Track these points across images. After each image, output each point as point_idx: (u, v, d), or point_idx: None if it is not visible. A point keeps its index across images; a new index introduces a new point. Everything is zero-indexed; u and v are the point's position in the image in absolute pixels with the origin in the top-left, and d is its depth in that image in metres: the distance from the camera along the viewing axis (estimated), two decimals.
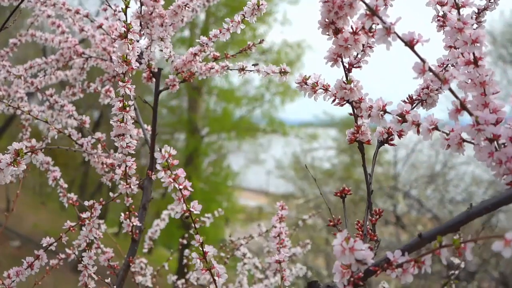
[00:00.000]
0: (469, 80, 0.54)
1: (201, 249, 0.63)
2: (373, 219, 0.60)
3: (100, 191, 8.41)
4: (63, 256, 1.06)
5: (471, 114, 0.50)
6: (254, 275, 1.35)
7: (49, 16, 1.18)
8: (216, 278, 0.63)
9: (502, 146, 0.50)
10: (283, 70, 0.82)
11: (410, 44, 0.49)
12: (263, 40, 0.99)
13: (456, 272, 1.06)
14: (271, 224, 0.89)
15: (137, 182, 0.89)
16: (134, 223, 0.94)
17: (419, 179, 6.66)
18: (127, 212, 0.93)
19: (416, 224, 6.05)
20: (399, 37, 0.49)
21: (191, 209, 0.61)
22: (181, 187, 0.60)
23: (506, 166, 0.49)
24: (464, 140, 0.53)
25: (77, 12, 1.06)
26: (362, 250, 0.49)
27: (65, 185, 1.07)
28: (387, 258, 0.51)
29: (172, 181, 0.60)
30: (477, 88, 0.52)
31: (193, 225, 0.62)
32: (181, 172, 0.61)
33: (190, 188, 0.61)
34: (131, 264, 0.96)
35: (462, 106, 0.50)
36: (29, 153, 0.68)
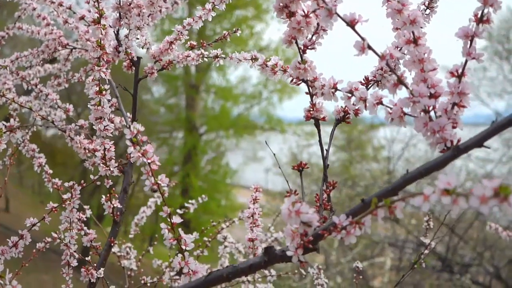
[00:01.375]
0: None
1: (169, 220, 0.67)
2: (328, 190, 0.65)
3: (99, 190, 8.46)
4: (48, 240, 1.10)
5: (407, 88, 0.54)
6: (237, 260, 1.40)
7: (34, 9, 1.22)
8: (183, 247, 0.67)
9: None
10: (254, 57, 0.87)
11: (351, 24, 0.54)
12: (238, 29, 1.03)
13: (426, 251, 1.10)
14: (247, 206, 0.94)
15: (116, 164, 0.93)
16: (115, 205, 0.99)
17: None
18: (108, 195, 0.98)
19: (411, 219, 6.11)
20: (340, 17, 0.53)
21: (159, 182, 0.66)
22: (149, 161, 0.65)
23: (439, 135, 0.54)
24: (405, 113, 0.57)
25: (60, 4, 1.11)
26: (307, 213, 0.53)
27: (50, 171, 1.11)
28: (334, 222, 0.55)
29: (140, 155, 0.64)
30: (416, 65, 0.56)
31: (161, 196, 0.67)
32: (149, 148, 0.65)
33: (157, 162, 0.65)
34: (112, 244, 1.01)
35: (399, 81, 0.55)
36: (7, 132, 0.73)
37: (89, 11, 1.12)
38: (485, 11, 0.54)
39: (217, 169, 11.84)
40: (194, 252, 1.50)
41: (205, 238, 1.32)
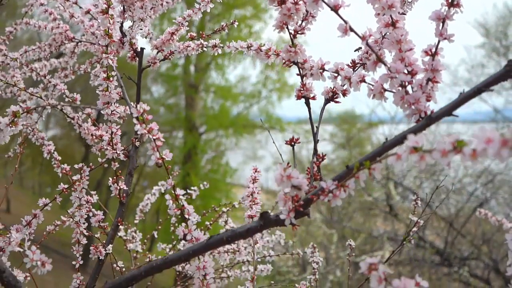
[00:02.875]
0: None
1: (173, 191, 0.73)
2: (318, 162, 0.71)
3: (100, 189, 8.52)
4: (57, 223, 1.16)
5: (386, 65, 0.61)
6: (238, 244, 1.46)
7: (42, 4, 1.28)
8: (186, 216, 0.74)
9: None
10: (249, 45, 0.93)
11: (335, 8, 0.60)
12: (235, 21, 1.10)
13: (415, 229, 1.16)
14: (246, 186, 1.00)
15: (123, 147, 1.00)
16: (121, 187, 1.05)
17: (412, 170, 6.78)
18: (114, 177, 1.04)
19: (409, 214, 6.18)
20: (325, 2, 0.60)
21: (164, 156, 0.72)
22: (155, 137, 0.71)
23: (414, 107, 0.60)
24: (385, 89, 0.64)
25: None
26: (297, 177, 0.59)
27: (59, 157, 1.18)
28: (322, 187, 0.62)
29: (146, 132, 0.71)
30: (394, 46, 0.63)
31: (166, 170, 0.73)
32: (154, 125, 0.71)
33: (162, 139, 0.72)
34: (119, 224, 1.07)
35: (379, 59, 0.61)
36: (25, 114, 0.79)
37: (95, 6, 1.18)
38: None
39: (217, 168, 11.89)
40: None
41: (207, 222, 1.39)
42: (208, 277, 0.72)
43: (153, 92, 11.30)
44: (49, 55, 1.27)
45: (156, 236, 1.58)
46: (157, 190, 1.53)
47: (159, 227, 1.61)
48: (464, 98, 0.56)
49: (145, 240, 1.47)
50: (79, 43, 1.27)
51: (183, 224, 0.73)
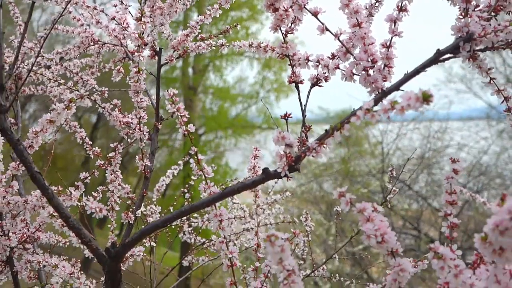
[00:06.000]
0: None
1: (196, 157, 0.95)
2: (305, 131, 0.93)
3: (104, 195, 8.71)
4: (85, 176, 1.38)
5: (352, 55, 0.83)
6: (241, 218, 1.68)
7: (70, 12, 1.50)
8: (206, 175, 0.95)
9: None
10: (250, 44, 1.14)
11: (315, 14, 0.82)
12: (237, 24, 1.31)
13: (391, 195, 1.38)
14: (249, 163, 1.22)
15: (148, 130, 1.22)
16: (146, 163, 1.27)
17: (407, 163, 7.02)
18: (140, 155, 1.26)
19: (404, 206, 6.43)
20: (307, 10, 0.82)
21: (188, 129, 0.94)
22: (181, 114, 0.93)
23: (374, 86, 0.82)
24: (353, 73, 0.86)
25: (94, 8, 1.39)
26: (289, 138, 0.81)
27: (90, 142, 1.39)
28: (308, 147, 0.83)
29: (175, 110, 0.93)
30: (360, 41, 0.85)
31: (190, 140, 0.95)
32: (181, 105, 0.93)
33: (187, 116, 0.94)
34: (144, 194, 1.29)
35: (347, 51, 0.83)
36: (79, 99, 1.01)
37: (117, 12, 1.40)
38: (403, 3, 0.83)
39: (217, 169, 12.09)
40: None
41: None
42: (223, 223, 0.94)
43: (152, 95, 11.50)
44: (78, 55, 1.49)
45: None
46: (170, 173, 1.75)
47: (175, 203, 1.82)
48: (407, 77, 0.78)
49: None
50: (103, 45, 1.49)
51: (203, 181, 0.95)
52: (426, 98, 0.60)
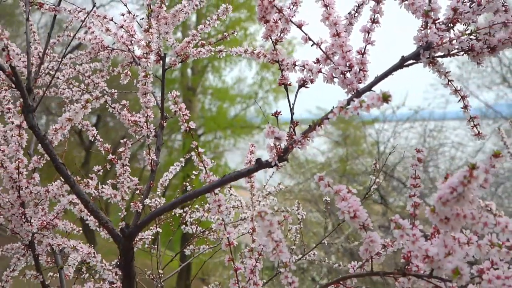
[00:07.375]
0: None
1: (197, 150, 1.09)
2: (293, 126, 1.07)
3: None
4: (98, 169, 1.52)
5: (331, 61, 0.97)
6: (240, 213, 1.82)
7: (82, 21, 1.64)
8: (206, 166, 1.09)
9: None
10: (246, 50, 1.28)
11: (299, 26, 0.96)
12: (235, 31, 1.45)
13: (374, 186, 1.51)
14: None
15: (155, 127, 1.35)
16: (153, 157, 1.41)
17: (402, 162, 7.18)
18: (147, 150, 1.40)
19: (403, 209, 6.57)
20: (293, 22, 0.96)
21: (190, 126, 1.08)
22: (183, 113, 1.07)
23: (350, 87, 0.96)
24: (333, 76, 1.00)
25: (104, 17, 1.53)
26: (278, 131, 0.95)
27: (101, 139, 1.53)
28: (294, 140, 0.97)
29: (178, 110, 1.06)
30: (339, 48, 0.99)
31: (192, 136, 1.08)
32: (183, 105, 1.07)
33: (188, 114, 1.07)
34: (151, 186, 1.42)
35: (327, 57, 0.97)
36: (94, 100, 1.14)
37: (125, 21, 1.54)
38: (375, 15, 0.97)
39: (216, 169, 12.20)
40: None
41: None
42: (222, 207, 1.08)
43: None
44: (89, 60, 1.63)
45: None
46: (173, 169, 1.89)
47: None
48: (376, 81, 0.92)
49: None
50: (112, 51, 1.62)
51: (203, 171, 1.09)
52: (385, 98, 0.74)
